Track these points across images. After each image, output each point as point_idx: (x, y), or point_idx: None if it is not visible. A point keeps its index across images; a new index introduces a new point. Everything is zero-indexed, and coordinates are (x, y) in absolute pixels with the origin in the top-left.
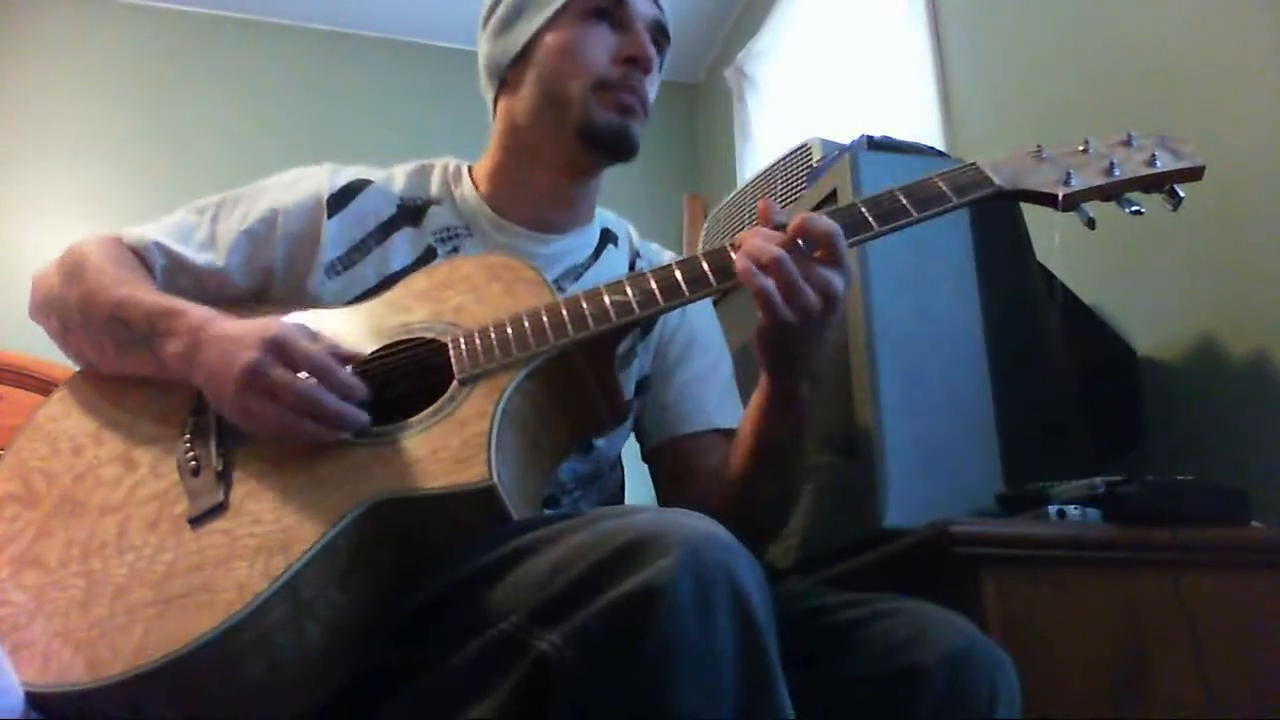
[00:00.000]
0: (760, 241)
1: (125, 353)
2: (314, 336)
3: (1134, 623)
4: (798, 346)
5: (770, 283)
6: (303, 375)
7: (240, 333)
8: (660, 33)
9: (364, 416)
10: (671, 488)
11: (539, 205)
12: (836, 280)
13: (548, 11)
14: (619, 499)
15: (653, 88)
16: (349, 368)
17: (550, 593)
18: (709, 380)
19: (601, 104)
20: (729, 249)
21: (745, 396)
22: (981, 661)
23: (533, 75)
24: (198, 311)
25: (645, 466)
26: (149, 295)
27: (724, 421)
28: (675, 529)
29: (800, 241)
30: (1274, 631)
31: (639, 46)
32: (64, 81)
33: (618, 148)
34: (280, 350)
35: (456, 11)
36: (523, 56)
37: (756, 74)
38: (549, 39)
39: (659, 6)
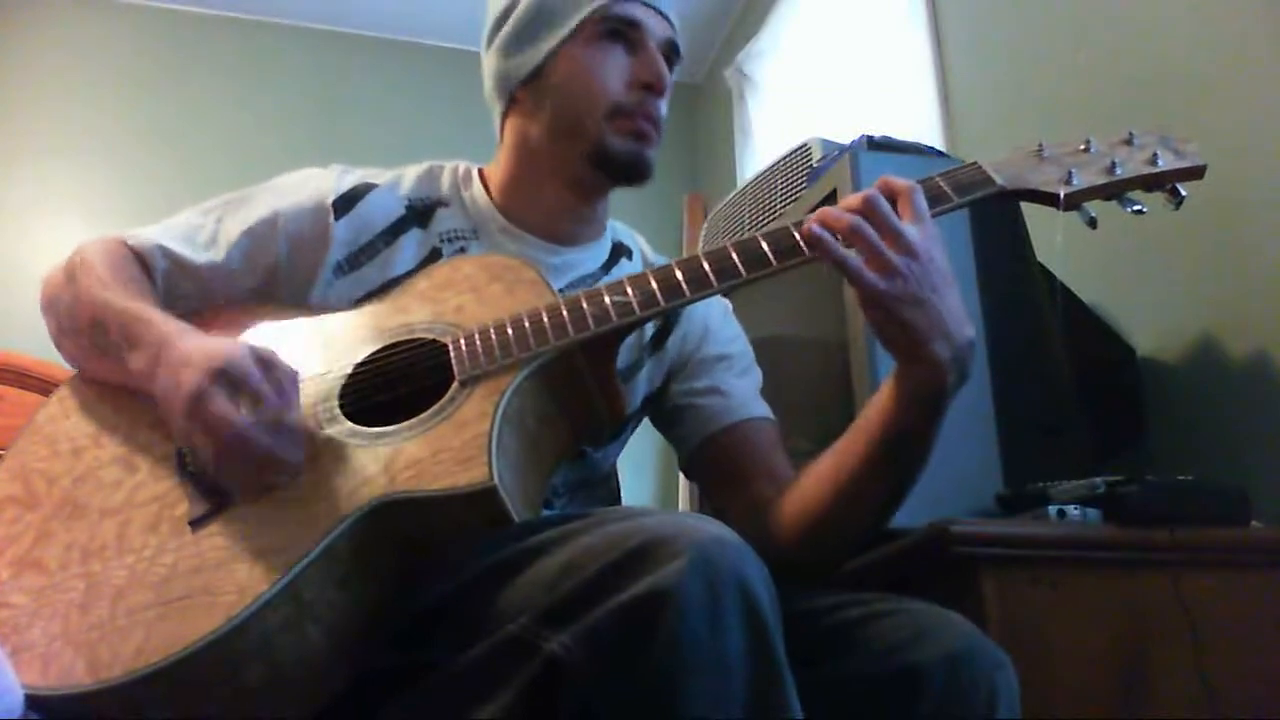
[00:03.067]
0: (835, 211)
1: (102, 358)
2: (268, 363)
3: (1134, 623)
4: (906, 314)
5: (848, 251)
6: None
7: (193, 355)
8: (672, 50)
9: (297, 456)
10: (725, 490)
11: (550, 218)
12: (911, 231)
13: (561, 33)
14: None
15: (665, 107)
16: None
17: (560, 594)
18: (744, 381)
19: (618, 131)
20: (728, 248)
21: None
22: (981, 662)
23: (546, 98)
24: (165, 326)
25: (648, 479)
26: (126, 301)
27: (765, 412)
28: (685, 532)
29: (874, 209)
30: (1274, 631)
31: (654, 72)
32: (64, 82)
33: (634, 174)
34: (224, 379)
35: (456, 11)
36: (534, 77)
37: (756, 74)
38: (563, 61)
39: (671, 24)
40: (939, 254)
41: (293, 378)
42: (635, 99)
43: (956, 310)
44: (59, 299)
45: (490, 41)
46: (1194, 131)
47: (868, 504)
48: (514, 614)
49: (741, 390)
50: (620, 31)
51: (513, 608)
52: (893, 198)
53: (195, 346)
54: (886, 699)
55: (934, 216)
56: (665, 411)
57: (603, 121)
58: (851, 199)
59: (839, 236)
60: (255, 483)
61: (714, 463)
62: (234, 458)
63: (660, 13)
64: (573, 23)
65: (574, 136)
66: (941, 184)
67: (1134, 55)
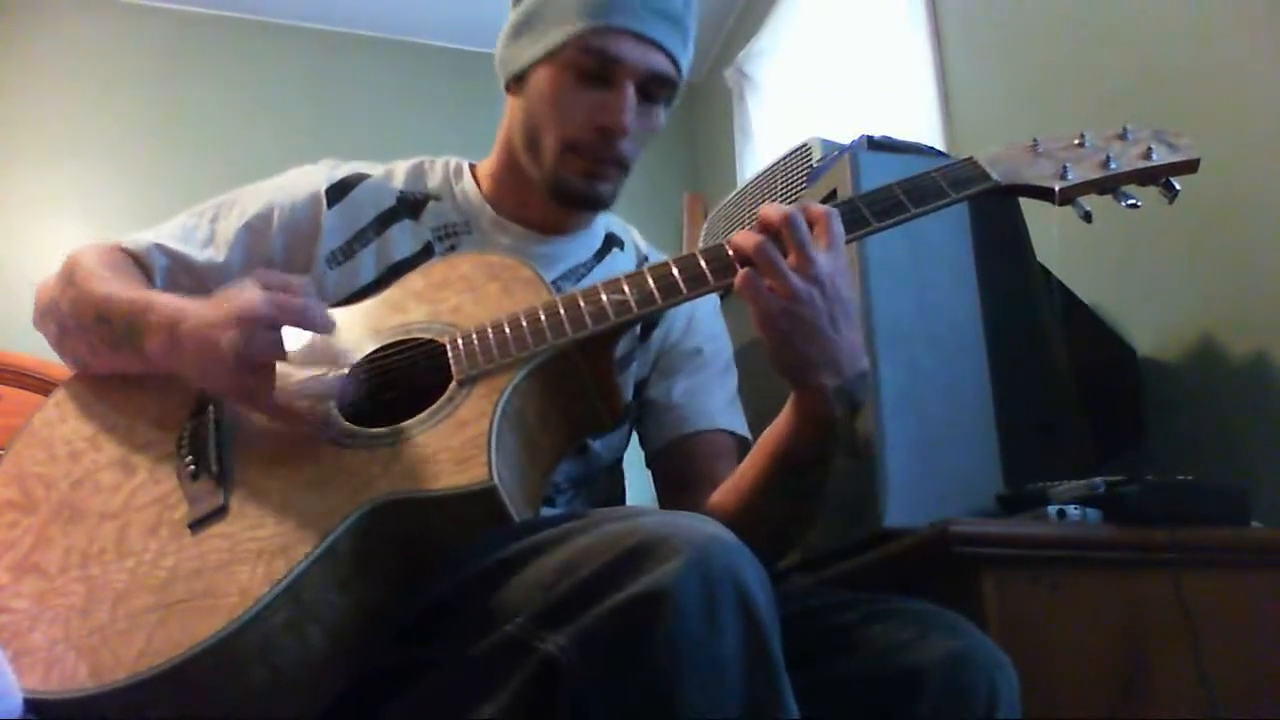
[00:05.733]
0: (743, 233)
1: (115, 351)
2: (284, 285)
3: (1134, 623)
4: (800, 343)
5: (751, 274)
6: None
7: (215, 317)
8: (660, 82)
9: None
10: (674, 494)
11: (539, 207)
12: (821, 261)
13: (544, 46)
14: (619, 503)
15: (637, 143)
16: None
17: (556, 594)
18: (714, 386)
19: (568, 167)
20: (724, 245)
21: (746, 396)
22: (981, 662)
23: (522, 106)
24: (170, 303)
25: (649, 473)
26: (126, 291)
27: (728, 424)
28: (681, 532)
29: (792, 230)
30: (1274, 631)
31: (616, 118)
32: (64, 81)
33: (587, 207)
34: (257, 320)
35: (456, 11)
36: (520, 77)
37: (756, 74)
38: (539, 77)
39: (665, 51)
40: (844, 286)
41: (306, 283)
42: (591, 139)
43: (852, 344)
44: (57, 303)
45: (511, 12)
46: (1195, 132)
47: (765, 524)
48: (511, 614)
49: (711, 397)
50: (598, 64)
51: (510, 607)
52: (810, 224)
53: (211, 309)
54: (887, 699)
55: (931, 212)
56: (639, 406)
57: (558, 154)
58: (772, 211)
59: (745, 254)
60: (321, 422)
61: (670, 465)
62: (299, 398)
63: (654, 42)
64: (555, 41)
65: (534, 155)
66: (938, 179)
67: (1135, 55)
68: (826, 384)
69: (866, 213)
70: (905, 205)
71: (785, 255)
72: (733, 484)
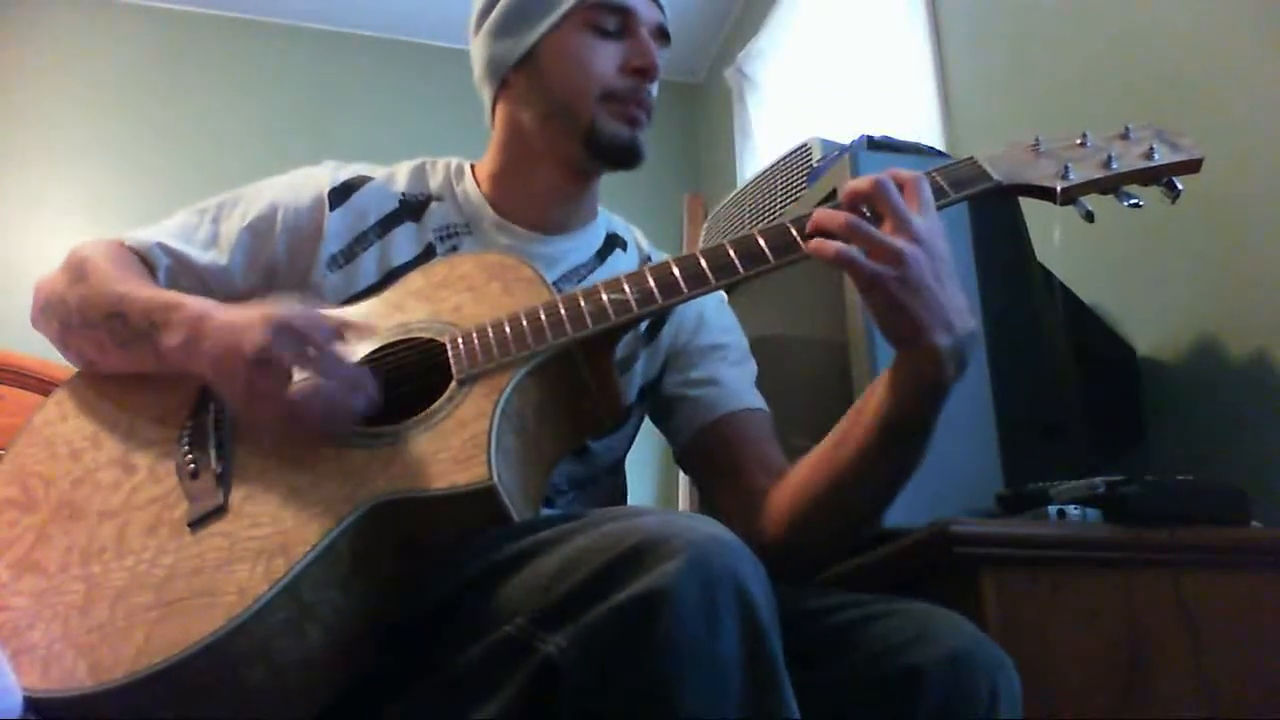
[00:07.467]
0: (827, 210)
1: (125, 349)
2: (315, 314)
3: (1134, 623)
4: (911, 305)
5: (844, 246)
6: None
7: (244, 318)
8: (662, 35)
9: (366, 401)
10: (722, 482)
11: (541, 205)
12: (918, 220)
13: (553, 17)
14: (620, 504)
15: (655, 90)
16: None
17: (556, 595)
18: (738, 371)
19: (610, 116)
20: (725, 245)
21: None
22: (982, 662)
23: (538, 81)
24: (197, 303)
25: (650, 474)
26: (147, 290)
27: (756, 403)
28: (681, 532)
29: (884, 195)
30: (1274, 631)
31: (646, 56)
32: (64, 82)
33: (625, 159)
34: (287, 330)
35: (456, 11)
36: (526, 61)
37: (756, 74)
38: (554, 45)
39: (660, 8)
40: (942, 245)
41: (340, 321)
42: (628, 85)
43: (958, 302)
44: (63, 299)
45: (479, 26)
46: (1196, 132)
47: (862, 494)
48: (511, 615)
49: (735, 380)
50: (612, 17)
51: (510, 608)
52: (900, 187)
53: (241, 312)
54: (887, 700)
55: None
56: (659, 403)
57: (595, 105)
58: (860, 182)
59: (835, 231)
60: (324, 433)
61: (707, 454)
62: (307, 410)
63: None
64: (565, 7)
65: (567, 120)
66: (938, 179)
67: (1135, 56)
68: (940, 343)
69: (867, 212)
70: None
71: (881, 222)
72: (820, 457)
